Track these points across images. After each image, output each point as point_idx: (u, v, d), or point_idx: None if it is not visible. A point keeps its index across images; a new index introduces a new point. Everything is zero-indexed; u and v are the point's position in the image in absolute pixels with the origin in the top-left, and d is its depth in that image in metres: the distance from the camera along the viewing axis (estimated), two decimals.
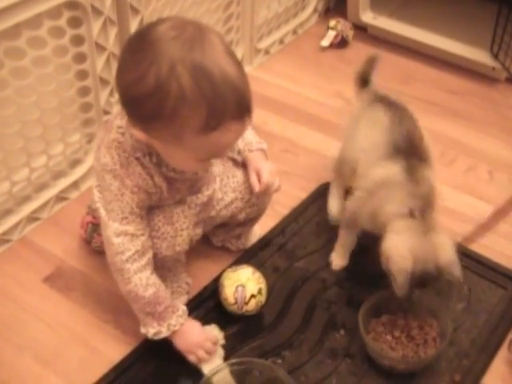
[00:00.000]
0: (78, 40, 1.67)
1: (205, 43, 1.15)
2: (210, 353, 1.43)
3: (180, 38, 1.14)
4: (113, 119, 1.35)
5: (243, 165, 1.56)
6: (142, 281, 1.37)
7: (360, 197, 1.54)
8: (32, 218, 1.76)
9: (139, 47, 1.17)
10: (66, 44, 1.64)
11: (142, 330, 1.42)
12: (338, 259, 1.67)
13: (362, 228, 1.58)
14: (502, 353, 1.52)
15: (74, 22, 1.64)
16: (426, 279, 1.39)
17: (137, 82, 1.15)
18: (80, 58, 1.70)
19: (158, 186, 1.35)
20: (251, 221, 1.68)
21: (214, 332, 1.48)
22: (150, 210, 1.40)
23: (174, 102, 1.13)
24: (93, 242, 1.68)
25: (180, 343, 1.43)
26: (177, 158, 1.27)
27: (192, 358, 1.42)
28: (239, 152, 1.55)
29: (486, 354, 1.51)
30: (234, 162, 1.58)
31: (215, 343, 1.45)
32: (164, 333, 1.40)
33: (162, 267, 1.47)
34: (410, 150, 1.50)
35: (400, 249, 1.39)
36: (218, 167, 1.53)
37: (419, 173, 1.47)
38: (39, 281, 1.64)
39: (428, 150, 1.53)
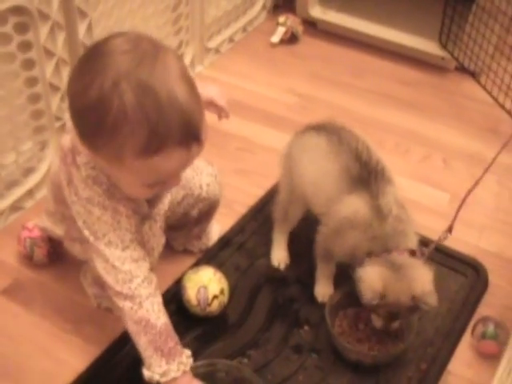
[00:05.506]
0: (25, 46, 1.64)
1: (157, 61, 1.10)
2: None
3: (131, 53, 1.10)
4: (66, 149, 1.28)
5: None
6: (154, 306, 1.28)
7: (328, 235, 1.51)
8: None
9: (91, 57, 1.12)
10: (13, 50, 1.61)
11: (146, 374, 1.28)
12: (323, 289, 1.60)
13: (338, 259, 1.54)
14: (466, 338, 1.54)
15: (21, 28, 1.61)
16: (400, 311, 1.39)
17: (81, 92, 1.11)
18: (28, 64, 1.67)
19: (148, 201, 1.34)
20: (206, 216, 1.66)
21: None
22: None
23: (114, 119, 1.08)
24: (34, 256, 1.64)
25: None
26: (123, 183, 1.22)
27: None
28: None
29: (451, 341, 1.53)
30: None
31: None
32: (173, 372, 1.26)
33: None
34: (364, 171, 1.44)
35: (371, 272, 1.38)
36: None
37: (381, 200, 1.41)
38: None
39: (378, 160, 1.47)
